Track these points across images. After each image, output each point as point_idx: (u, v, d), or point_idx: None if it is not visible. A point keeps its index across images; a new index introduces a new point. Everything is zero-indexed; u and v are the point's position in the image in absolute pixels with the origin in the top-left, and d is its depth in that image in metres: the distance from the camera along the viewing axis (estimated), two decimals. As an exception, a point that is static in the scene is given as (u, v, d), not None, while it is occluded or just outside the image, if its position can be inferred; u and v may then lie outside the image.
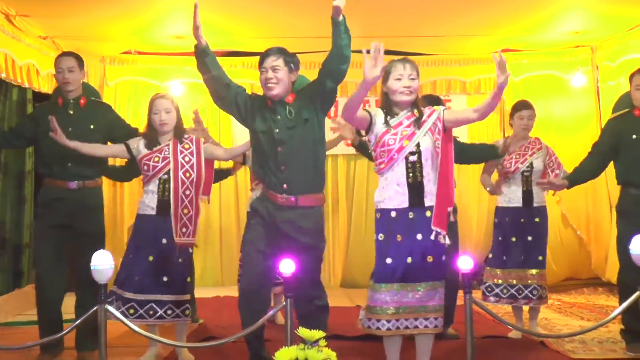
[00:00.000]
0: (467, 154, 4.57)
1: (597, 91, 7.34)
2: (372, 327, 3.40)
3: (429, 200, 3.38)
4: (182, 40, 6.66)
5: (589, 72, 7.36)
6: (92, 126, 4.22)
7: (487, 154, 4.70)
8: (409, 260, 3.35)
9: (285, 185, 3.43)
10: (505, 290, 4.75)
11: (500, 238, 4.85)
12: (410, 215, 3.37)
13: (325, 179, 3.65)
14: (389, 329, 3.36)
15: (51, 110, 4.23)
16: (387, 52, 7.27)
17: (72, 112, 4.21)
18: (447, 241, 3.39)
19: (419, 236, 3.36)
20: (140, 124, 6.88)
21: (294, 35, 6.51)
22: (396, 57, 3.64)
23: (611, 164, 4.48)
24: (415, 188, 3.38)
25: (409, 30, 6.60)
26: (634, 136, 4.22)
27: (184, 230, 3.98)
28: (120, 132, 4.36)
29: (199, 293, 5.42)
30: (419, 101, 3.54)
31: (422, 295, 3.36)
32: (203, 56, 3.50)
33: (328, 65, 3.44)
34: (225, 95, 3.57)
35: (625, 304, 3.07)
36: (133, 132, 4.39)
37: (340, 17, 3.29)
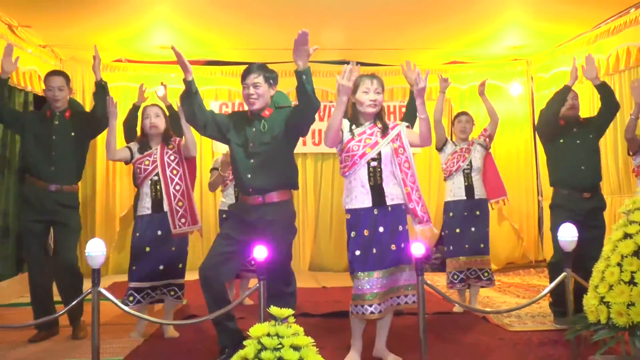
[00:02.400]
0: None
1: (532, 99, 7.48)
2: (359, 313, 3.32)
3: (390, 199, 3.41)
4: (167, 50, 6.60)
5: (525, 82, 7.49)
6: (72, 134, 4.16)
7: None
8: (375, 250, 3.36)
9: (250, 189, 3.39)
10: (466, 275, 4.81)
11: (447, 231, 4.92)
12: (375, 212, 3.39)
13: (295, 177, 3.56)
14: (372, 312, 3.29)
15: (39, 119, 4.20)
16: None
17: (57, 123, 4.16)
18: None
19: (381, 229, 3.37)
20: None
21: (267, 46, 6.52)
22: (361, 68, 3.65)
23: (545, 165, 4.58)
24: (377, 189, 3.40)
25: (371, 44, 6.65)
26: (562, 140, 4.31)
27: (182, 221, 3.99)
28: (89, 121, 4.22)
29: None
30: (383, 113, 3.55)
31: (398, 277, 3.38)
32: (192, 96, 3.32)
33: (301, 114, 3.32)
34: (206, 124, 3.42)
35: (552, 284, 3.12)
36: (93, 115, 4.24)
37: (304, 68, 3.14)
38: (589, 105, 5.98)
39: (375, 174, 3.41)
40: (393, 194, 3.42)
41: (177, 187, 4.00)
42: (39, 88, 5.99)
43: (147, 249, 3.97)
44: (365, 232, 3.36)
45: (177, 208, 3.98)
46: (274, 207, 3.40)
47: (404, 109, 7.42)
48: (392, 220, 3.40)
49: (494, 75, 7.52)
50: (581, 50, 6.20)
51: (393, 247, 3.38)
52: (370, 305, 3.30)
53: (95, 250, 2.81)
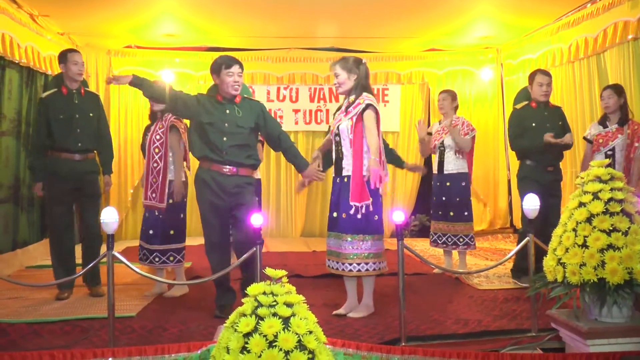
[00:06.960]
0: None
1: (502, 83, 7.44)
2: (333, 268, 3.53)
3: (346, 170, 3.45)
4: (172, 37, 6.57)
5: (495, 68, 7.45)
6: (91, 114, 4.15)
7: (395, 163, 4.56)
8: (335, 214, 3.46)
9: (228, 161, 3.46)
10: (440, 238, 4.84)
11: (435, 198, 4.91)
12: (337, 180, 3.51)
13: (259, 160, 3.67)
14: (351, 270, 3.40)
15: (59, 98, 4.08)
16: (340, 50, 7.37)
17: (77, 102, 4.10)
18: (363, 210, 3.36)
19: (338, 197, 3.46)
20: (139, 105, 6.85)
21: (261, 35, 6.46)
22: (348, 54, 3.68)
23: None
24: (338, 161, 3.51)
25: (359, 33, 6.60)
26: (533, 124, 4.31)
27: (153, 195, 3.98)
28: (101, 123, 4.25)
29: (188, 242, 5.38)
30: (350, 90, 3.51)
31: (353, 244, 3.38)
32: (143, 83, 3.40)
33: (284, 152, 3.63)
34: (184, 106, 3.50)
35: (517, 248, 3.16)
36: (107, 128, 4.36)
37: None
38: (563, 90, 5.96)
39: (337, 147, 3.51)
40: (349, 165, 3.43)
41: (155, 165, 3.99)
42: (58, 71, 5.90)
43: (160, 215, 4.01)
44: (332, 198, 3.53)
45: (151, 182, 3.98)
46: (246, 179, 3.53)
47: (386, 92, 7.52)
48: (346, 189, 3.41)
49: (468, 62, 7.49)
50: (545, 40, 6.17)
51: (342, 215, 3.41)
52: (350, 264, 3.41)
53: (109, 217, 2.81)
